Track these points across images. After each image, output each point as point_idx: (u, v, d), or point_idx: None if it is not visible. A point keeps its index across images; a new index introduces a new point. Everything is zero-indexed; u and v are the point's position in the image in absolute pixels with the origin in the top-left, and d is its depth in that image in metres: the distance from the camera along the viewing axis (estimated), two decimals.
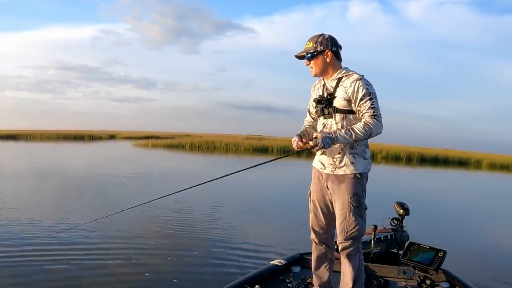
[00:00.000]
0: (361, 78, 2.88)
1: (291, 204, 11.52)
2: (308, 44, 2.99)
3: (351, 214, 2.92)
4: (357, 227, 2.94)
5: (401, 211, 4.51)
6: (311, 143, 2.86)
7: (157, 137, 47.94)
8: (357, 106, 2.87)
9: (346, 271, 3.03)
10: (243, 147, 40.06)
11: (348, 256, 3.00)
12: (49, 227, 7.47)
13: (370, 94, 2.83)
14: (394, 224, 4.54)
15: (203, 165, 25.86)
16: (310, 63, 3.01)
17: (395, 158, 37.80)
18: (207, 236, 7.47)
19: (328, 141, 2.80)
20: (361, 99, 2.83)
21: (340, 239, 2.99)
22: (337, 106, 2.93)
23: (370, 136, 2.83)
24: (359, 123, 2.84)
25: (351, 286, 2.99)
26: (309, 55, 2.98)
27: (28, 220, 7.91)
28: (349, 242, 2.96)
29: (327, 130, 2.95)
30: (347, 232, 2.94)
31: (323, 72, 3.01)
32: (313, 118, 3.23)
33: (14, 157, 24.70)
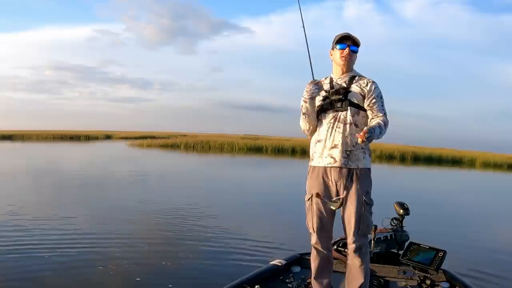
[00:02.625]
0: (374, 82, 3.04)
1: (290, 204, 11.50)
2: (356, 39, 3.04)
3: (367, 213, 2.97)
4: (369, 224, 3.03)
5: (401, 211, 4.52)
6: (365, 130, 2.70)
7: (153, 137, 47.97)
8: (370, 104, 2.97)
9: (358, 268, 3.05)
10: (238, 146, 40.13)
11: (361, 254, 3.04)
12: (38, 227, 7.43)
13: (382, 97, 3.00)
14: (394, 224, 4.55)
15: (192, 164, 25.86)
16: (352, 55, 3.07)
17: (388, 157, 37.89)
18: (206, 236, 7.44)
19: (373, 137, 2.73)
20: (375, 99, 2.96)
21: (354, 238, 2.99)
22: (352, 100, 2.97)
23: (382, 135, 2.89)
24: (380, 121, 2.87)
25: (362, 281, 3.03)
26: (356, 48, 3.07)
27: (14, 219, 7.93)
28: (363, 240, 3.03)
29: (339, 123, 2.98)
30: (362, 230, 2.99)
31: (346, 69, 3.09)
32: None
33: (7, 158, 24.62)
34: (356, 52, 3.06)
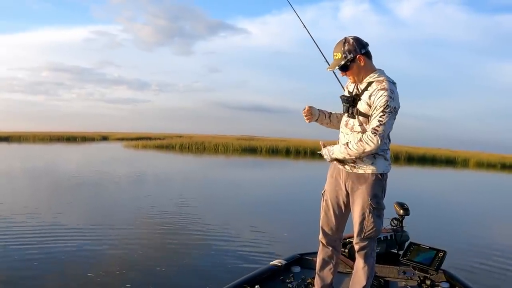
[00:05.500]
0: (388, 88, 2.79)
1: (292, 205, 11.52)
2: (336, 55, 2.91)
3: (371, 216, 2.95)
4: (374, 228, 2.99)
5: (401, 211, 4.53)
6: (322, 150, 3.08)
7: (149, 138, 47.81)
8: (371, 115, 2.85)
9: (361, 270, 3.06)
10: (233, 147, 40.12)
11: (365, 256, 3.05)
12: (26, 230, 7.33)
13: (387, 107, 2.76)
14: (394, 225, 4.55)
15: (186, 165, 25.81)
16: (345, 74, 2.97)
17: None
18: (205, 237, 7.43)
19: (327, 154, 3.03)
20: (376, 109, 2.80)
21: (357, 239, 3.02)
22: (360, 109, 2.91)
23: (364, 152, 2.82)
24: (356, 139, 2.86)
25: (365, 284, 3.03)
26: (343, 67, 2.91)
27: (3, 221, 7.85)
28: (366, 242, 3.01)
29: (347, 129, 3.01)
30: (365, 233, 2.98)
31: (360, 78, 2.95)
32: None
33: (2, 159, 24.54)
34: (347, 67, 2.91)
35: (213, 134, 55.91)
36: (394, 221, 4.58)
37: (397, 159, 37.75)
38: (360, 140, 2.81)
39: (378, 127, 2.76)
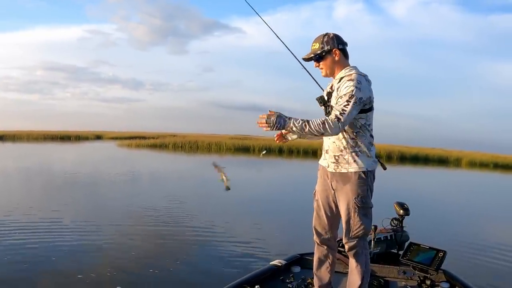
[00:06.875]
0: (355, 79, 2.79)
1: (291, 204, 11.49)
2: (314, 46, 2.99)
3: (356, 215, 2.94)
4: (362, 227, 2.97)
5: (401, 211, 4.54)
6: (265, 116, 2.78)
7: (143, 137, 47.66)
8: (336, 103, 2.83)
9: (354, 269, 3.08)
10: (226, 146, 40.14)
11: (355, 255, 3.05)
12: (15, 232, 7.18)
13: (352, 97, 2.73)
14: (394, 225, 4.56)
15: (180, 164, 25.76)
16: (319, 65, 3.02)
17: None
18: (204, 236, 7.42)
19: (281, 122, 2.74)
20: (341, 97, 2.79)
21: (345, 239, 3.03)
22: (332, 105, 2.90)
23: (322, 135, 2.78)
24: (318, 118, 2.77)
25: (360, 283, 3.03)
26: (317, 56, 2.98)
27: None
28: (354, 242, 3.01)
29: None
30: (352, 232, 2.98)
31: (332, 72, 3.01)
32: None
33: None
34: (321, 56, 2.96)
35: (207, 133, 55.96)
36: (394, 221, 4.59)
37: (389, 158, 37.87)
38: (324, 122, 2.70)
39: (342, 115, 2.72)
